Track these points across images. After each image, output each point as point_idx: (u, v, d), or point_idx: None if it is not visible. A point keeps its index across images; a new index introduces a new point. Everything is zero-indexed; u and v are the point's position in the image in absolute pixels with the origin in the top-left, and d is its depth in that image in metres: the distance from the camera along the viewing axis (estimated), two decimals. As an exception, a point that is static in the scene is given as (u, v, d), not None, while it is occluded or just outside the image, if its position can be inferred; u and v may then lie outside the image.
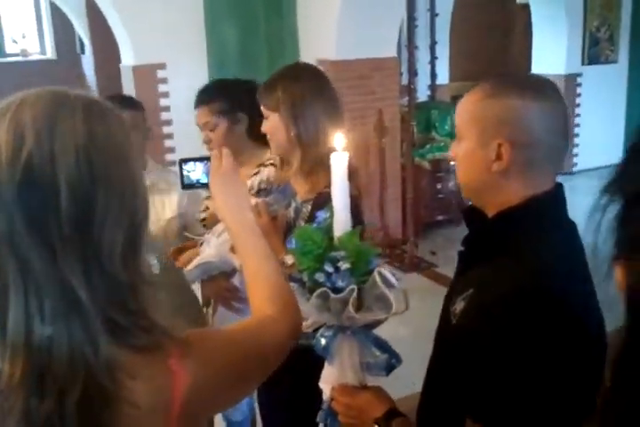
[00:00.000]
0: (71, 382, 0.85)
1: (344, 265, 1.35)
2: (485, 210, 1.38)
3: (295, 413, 2.09)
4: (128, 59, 5.85)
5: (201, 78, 5.78)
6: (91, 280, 0.89)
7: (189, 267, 2.30)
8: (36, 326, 0.86)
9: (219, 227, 2.28)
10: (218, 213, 1.39)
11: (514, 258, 1.26)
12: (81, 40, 10.64)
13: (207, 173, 1.53)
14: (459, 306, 1.31)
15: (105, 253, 0.90)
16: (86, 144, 0.89)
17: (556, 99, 1.33)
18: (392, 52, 5.81)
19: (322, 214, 1.48)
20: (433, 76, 6.99)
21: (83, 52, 10.78)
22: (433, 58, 6.97)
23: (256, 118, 2.21)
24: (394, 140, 5.89)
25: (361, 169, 5.78)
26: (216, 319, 2.49)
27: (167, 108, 5.83)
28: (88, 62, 10.55)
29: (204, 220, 2.56)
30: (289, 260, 1.98)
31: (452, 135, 6.02)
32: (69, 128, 0.89)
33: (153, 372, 0.93)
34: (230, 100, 2.46)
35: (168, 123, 5.87)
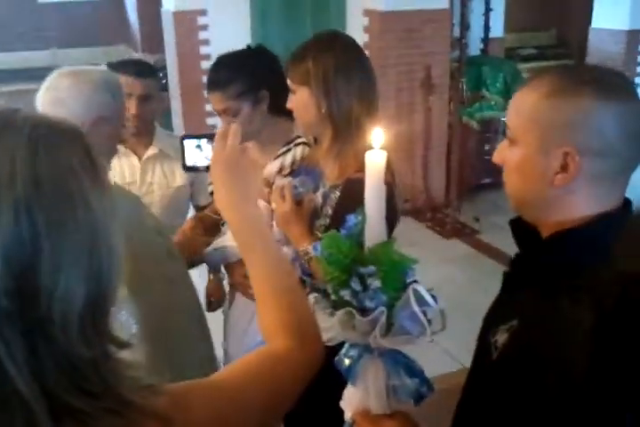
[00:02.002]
0: None
1: (374, 283, 1.15)
2: (539, 227, 1.17)
3: (320, 411, 1.94)
4: (169, 3, 5.64)
5: (243, 27, 5.59)
6: (37, 362, 0.72)
7: (209, 249, 2.13)
8: None
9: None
10: (217, 206, 1.18)
11: (570, 289, 1.06)
12: (124, -18, 10.40)
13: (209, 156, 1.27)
14: (500, 338, 1.14)
15: (57, 326, 0.73)
16: (28, 196, 0.71)
17: (633, 98, 1.09)
18: (444, 4, 5.51)
19: (352, 219, 1.25)
20: (486, 28, 6.59)
21: (126, -6, 10.54)
22: (487, 9, 6.56)
23: (278, 92, 1.99)
24: (441, 97, 5.63)
25: (405, 128, 5.66)
26: (233, 310, 2.32)
27: (207, 57, 5.59)
28: (132, 5, 10.30)
29: (212, 194, 2.38)
30: (312, 251, 1.80)
31: (503, 93, 5.72)
32: (7, 172, 0.71)
33: None
34: (248, 78, 2.16)
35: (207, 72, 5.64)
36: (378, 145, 1.17)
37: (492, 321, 1.21)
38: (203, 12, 5.54)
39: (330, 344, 1.21)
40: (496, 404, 1.11)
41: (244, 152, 1.18)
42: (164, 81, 7.20)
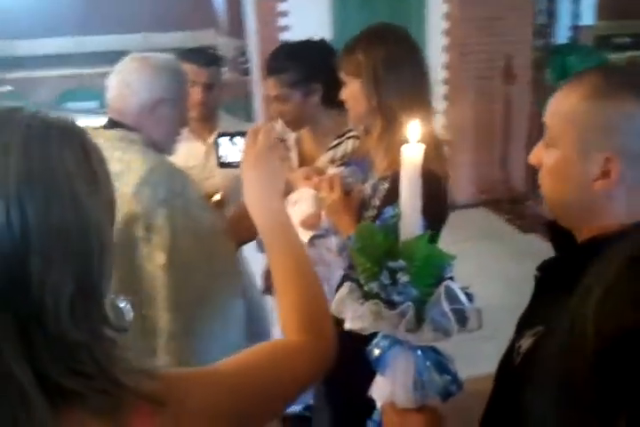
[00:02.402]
0: None
1: (403, 278, 1.14)
2: (575, 232, 1.13)
3: (358, 393, 1.96)
4: (249, -11, 5.64)
5: (323, 13, 5.59)
6: (30, 345, 0.76)
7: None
8: None
9: (293, 196, 2.11)
10: (245, 201, 1.20)
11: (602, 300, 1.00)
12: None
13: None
14: (525, 343, 1.11)
15: (48, 312, 0.76)
16: (20, 192, 0.74)
17: None
18: (528, -10, 5.33)
19: (389, 211, 1.23)
20: (575, 16, 6.36)
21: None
22: (577, -5, 6.34)
23: (332, 85, 2.00)
24: (522, 88, 5.46)
25: (484, 118, 5.55)
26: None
27: (287, 43, 5.64)
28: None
29: None
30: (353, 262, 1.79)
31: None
32: (1, 168, 0.75)
33: None
34: (303, 69, 2.21)
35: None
36: (414, 138, 1.15)
37: (521, 326, 1.17)
38: (283, -2, 5.54)
39: (363, 333, 1.21)
40: (517, 412, 1.08)
41: (274, 149, 1.21)
42: (244, 66, 7.30)
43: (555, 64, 5.66)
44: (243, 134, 1.29)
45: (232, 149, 1.33)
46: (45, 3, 10.63)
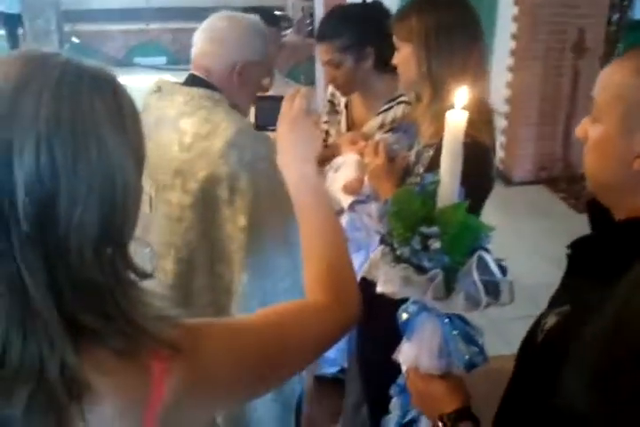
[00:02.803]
0: (19, 388, 0.77)
1: (434, 244, 1.13)
2: (613, 210, 1.10)
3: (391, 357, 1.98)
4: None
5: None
6: (55, 284, 0.79)
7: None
8: None
9: (338, 160, 2.09)
10: (278, 163, 1.24)
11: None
12: None
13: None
14: (550, 320, 1.09)
15: (73, 253, 0.79)
16: (50, 134, 0.77)
17: None
18: (608, -39, 5.11)
19: (429, 177, 1.23)
20: (657, -10, 6.10)
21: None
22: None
23: (384, 49, 1.97)
24: (593, 62, 5.28)
25: (550, 91, 5.38)
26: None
27: (353, 7, 5.57)
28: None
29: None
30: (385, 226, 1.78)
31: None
32: (32, 111, 0.77)
33: (127, 372, 0.84)
34: (356, 33, 2.17)
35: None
36: (460, 104, 1.12)
37: (550, 305, 1.16)
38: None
39: (395, 298, 1.22)
40: (537, 388, 1.07)
41: (310, 115, 1.22)
42: (310, 28, 7.24)
43: (629, 40, 5.46)
44: (281, 99, 1.30)
45: (270, 113, 1.35)
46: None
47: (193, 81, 1.84)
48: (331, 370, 3.12)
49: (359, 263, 2.14)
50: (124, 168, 0.83)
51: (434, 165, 1.79)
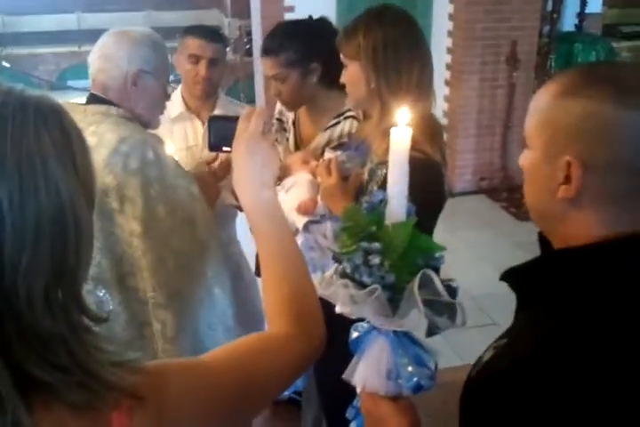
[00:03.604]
0: None
1: (374, 260, 1.11)
2: (550, 239, 1.06)
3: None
4: (255, -32, 5.60)
5: (329, -8, 5.51)
6: (2, 333, 0.72)
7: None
8: None
9: (289, 180, 2.08)
10: (235, 188, 1.17)
11: (558, 317, 0.95)
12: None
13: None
14: (487, 354, 1.05)
15: (22, 301, 0.73)
16: None
17: None
18: (537, -26, 5.26)
19: (379, 195, 1.21)
20: (583, 3, 6.28)
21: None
22: (586, -18, 6.25)
23: (331, 65, 1.97)
24: (527, 74, 5.42)
25: (486, 103, 5.49)
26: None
27: (291, 24, 5.58)
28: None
29: None
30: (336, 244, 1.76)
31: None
32: None
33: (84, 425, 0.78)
34: (301, 48, 2.17)
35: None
36: (403, 122, 1.11)
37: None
38: (289, -23, 5.49)
39: (351, 317, 1.20)
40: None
41: (267, 136, 1.17)
42: (247, 46, 7.24)
43: (560, 51, 5.61)
44: (235, 118, 1.24)
45: (224, 133, 1.27)
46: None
47: (91, 100, 1.87)
48: (285, 392, 3.08)
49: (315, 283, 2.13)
50: (75, 205, 0.77)
51: (372, 194, 1.79)
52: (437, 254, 1.15)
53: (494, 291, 4.09)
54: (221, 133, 1.29)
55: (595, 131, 0.92)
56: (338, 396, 2.06)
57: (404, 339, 1.19)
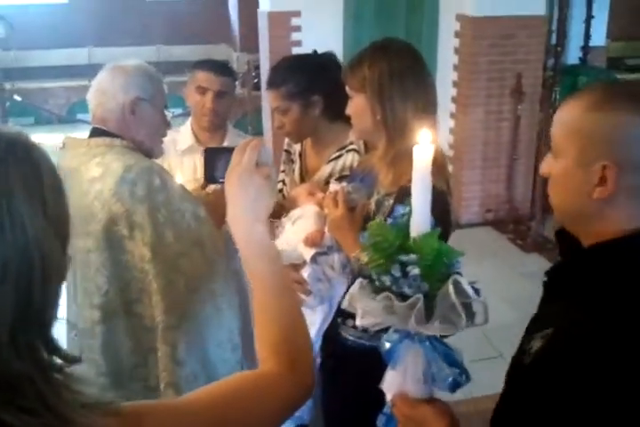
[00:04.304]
0: None
1: (413, 271, 1.19)
2: (581, 238, 1.20)
3: (359, 412, 1.94)
4: (265, 4, 5.73)
5: (336, 29, 5.63)
6: None
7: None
8: None
9: (296, 212, 2.10)
10: (228, 221, 1.16)
11: (606, 300, 1.08)
12: (228, -19, 10.61)
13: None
14: (535, 344, 1.15)
15: None
16: None
17: None
18: (540, 10, 5.33)
19: (400, 209, 1.32)
20: (587, 36, 6.37)
21: (229, -7, 10.75)
22: (589, 16, 6.34)
23: (334, 98, 2.00)
24: (532, 106, 5.47)
25: (492, 136, 5.53)
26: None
27: (299, 58, 5.67)
28: (233, 5, 10.52)
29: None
30: (364, 257, 1.78)
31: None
32: None
33: None
34: (302, 81, 2.23)
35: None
36: (425, 140, 1.19)
37: (530, 330, 1.22)
38: (297, 14, 5.60)
39: (374, 329, 1.25)
40: (530, 409, 1.12)
41: (261, 168, 1.14)
42: (256, 80, 7.33)
43: (565, 84, 5.66)
44: (230, 150, 1.22)
45: (219, 165, 1.27)
46: (62, 15, 10.75)
47: (94, 133, 1.92)
48: (289, 425, 3.04)
49: (323, 315, 2.13)
50: (42, 242, 0.75)
51: (392, 211, 1.81)
52: (456, 260, 1.23)
53: (501, 322, 4.09)
54: (217, 165, 1.28)
55: (626, 138, 1.09)
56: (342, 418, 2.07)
57: (435, 342, 1.27)
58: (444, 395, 1.30)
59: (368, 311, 1.19)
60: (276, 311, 1.10)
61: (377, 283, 1.23)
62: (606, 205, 1.12)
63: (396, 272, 1.18)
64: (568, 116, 1.15)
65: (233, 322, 1.95)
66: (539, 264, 4.98)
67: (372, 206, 1.92)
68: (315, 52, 2.38)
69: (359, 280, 1.24)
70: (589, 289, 1.11)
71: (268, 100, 2.33)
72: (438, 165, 1.83)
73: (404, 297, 1.18)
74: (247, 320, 2.14)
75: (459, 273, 1.21)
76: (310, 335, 1.15)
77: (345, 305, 1.22)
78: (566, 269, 1.22)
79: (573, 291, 1.14)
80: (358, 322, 1.20)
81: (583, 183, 1.12)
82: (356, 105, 1.88)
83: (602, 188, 1.10)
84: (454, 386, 1.25)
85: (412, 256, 1.18)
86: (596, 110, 1.11)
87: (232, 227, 1.13)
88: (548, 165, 1.20)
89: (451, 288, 1.18)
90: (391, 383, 1.30)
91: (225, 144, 2.63)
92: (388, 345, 1.28)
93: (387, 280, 1.19)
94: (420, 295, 1.18)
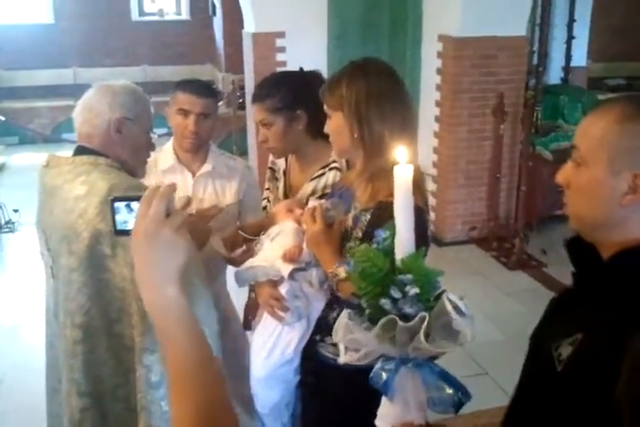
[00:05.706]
0: None
1: (412, 290, 1.20)
2: (600, 246, 1.22)
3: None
4: (249, 25, 5.77)
5: (320, 49, 5.67)
6: None
7: (242, 267, 2.14)
8: None
9: (275, 229, 2.11)
10: (137, 280, 1.03)
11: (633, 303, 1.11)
12: (213, 3, 10.67)
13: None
14: (564, 351, 1.16)
15: None
16: None
17: None
18: (521, 31, 5.41)
19: (381, 233, 1.31)
20: (568, 57, 6.46)
21: (214, 14, 10.81)
22: (570, 37, 6.43)
23: (317, 115, 2.02)
24: (514, 126, 5.51)
25: (475, 155, 5.56)
26: (260, 330, 2.30)
27: (283, 79, 5.70)
28: (218, 26, 10.59)
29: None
30: (342, 273, 1.79)
31: (581, 123, 5.56)
32: None
33: None
34: (287, 96, 2.25)
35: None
36: (404, 160, 1.22)
37: (549, 339, 1.22)
38: (281, 35, 5.65)
39: (364, 362, 1.27)
40: (559, 414, 1.14)
41: (172, 219, 1.01)
42: (240, 100, 7.36)
43: (547, 104, 5.73)
44: (138, 199, 1.08)
45: (129, 216, 1.11)
46: (48, 35, 10.77)
47: (78, 151, 1.92)
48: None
49: (301, 332, 2.13)
50: None
51: (371, 228, 1.82)
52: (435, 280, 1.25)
53: (485, 340, 4.10)
54: (125, 216, 1.12)
55: None
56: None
57: (431, 364, 1.28)
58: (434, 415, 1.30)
59: (362, 343, 1.20)
60: (194, 384, 0.97)
61: (370, 310, 1.23)
62: (633, 212, 1.15)
63: (396, 293, 1.19)
64: (596, 127, 1.18)
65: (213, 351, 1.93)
66: (522, 282, 5.04)
67: (350, 222, 1.93)
68: (301, 69, 2.41)
69: (346, 311, 1.24)
70: (620, 293, 1.13)
71: (252, 114, 2.35)
72: (415, 182, 1.85)
73: (406, 317, 1.19)
74: (226, 347, 2.14)
75: (444, 291, 1.23)
76: (236, 416, 1.03)
77: (337, 338, 1.22)
78: (587, 277, 1.24)
79: (597, 298, 1.17)
80: (340, 360, 1.20)
81: (612, 192, 1.15)
82: (334, 123, 1.89)
83: (633, 196, 1.14)
84: (457, 405, 1.25)
85: (409, 276, 1.20)
86: (626, 122, 1.14)
87: (140, 287, 1.01)
88: (567, 175, 1.22)
89: (447, 305, 1.21)
90: (387, 415, 1.30)
91: (206, 164, 2.62)
92: (384, 376, 1.27)
93: (386, 304, 1.20)
94: (425, 313, 1.19)
